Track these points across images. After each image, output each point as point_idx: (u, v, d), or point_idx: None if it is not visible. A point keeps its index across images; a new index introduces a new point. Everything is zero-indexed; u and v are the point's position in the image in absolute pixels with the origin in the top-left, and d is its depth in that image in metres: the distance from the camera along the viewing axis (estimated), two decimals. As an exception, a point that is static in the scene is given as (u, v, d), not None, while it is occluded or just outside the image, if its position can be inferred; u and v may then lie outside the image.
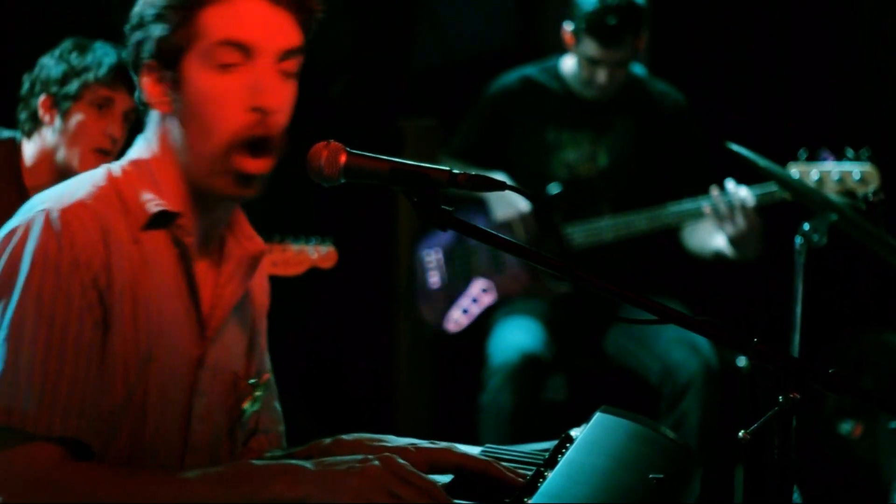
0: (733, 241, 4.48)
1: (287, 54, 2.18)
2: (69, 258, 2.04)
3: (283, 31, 2.17)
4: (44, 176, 3.66)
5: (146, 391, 2.13)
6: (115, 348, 2.09)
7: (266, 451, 2.39)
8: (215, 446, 2.26)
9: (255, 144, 2.16)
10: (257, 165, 2.17)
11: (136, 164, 2.21)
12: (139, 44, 2.18)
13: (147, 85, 2.19)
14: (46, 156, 3.69)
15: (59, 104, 3.65)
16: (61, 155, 3.66)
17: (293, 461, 2.09)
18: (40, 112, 3.68)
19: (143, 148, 2.23)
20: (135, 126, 3.72)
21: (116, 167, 2.21)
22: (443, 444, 2.27)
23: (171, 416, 2.18)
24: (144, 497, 2.00)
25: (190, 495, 2.00)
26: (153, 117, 2.23)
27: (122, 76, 3.65)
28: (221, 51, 2.14)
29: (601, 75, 4.76)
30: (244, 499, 2.00)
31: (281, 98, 2.18)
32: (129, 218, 2.14)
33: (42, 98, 3.67)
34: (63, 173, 3.55)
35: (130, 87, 3.73)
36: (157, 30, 2.15)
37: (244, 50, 2.15)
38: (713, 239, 4.68)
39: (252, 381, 2.35)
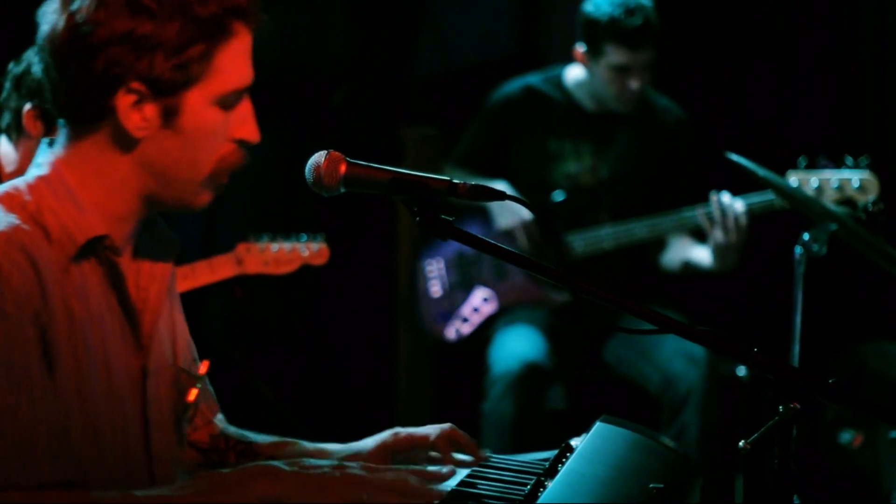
0: (717, 250, 4.51)
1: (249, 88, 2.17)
2: (11, 300, 1.96)
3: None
4: None
5: (101, 420, 2.08)
6: (60, 382, 2.02)
7: (209, 440, 2.39)
8: (171, 448, 2.23)
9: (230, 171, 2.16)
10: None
11: (47, 180, 2.09)
12: (121, 64, 2.03)
13: (124, 108, 2.05)
14: (27, 164, 3.47)
15: (44, 121, 3.40)
16: None
17: (267, 462, 2.06)
18: (24, 121, 3.43)
19: (58, 163, 2.10)
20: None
21: (23, 187, 2.09)
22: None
23: (132, 435, 2.14)
24: None
25: None
26: (102, 132, 2.08)
27: None
28: (231, 95, 2.10)
29: (633, 82, 4.73)
30: None
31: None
32: (55, 247, 2.04)
33: (28, 108, 3.43)
34: None
35: None
36: (163, 59, 2.03)
37: (245, 92, 2.14)
38: (685, 251, 4.71)
39: (192, 371, 2.32)
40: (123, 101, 2.05)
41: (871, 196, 4.15)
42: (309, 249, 4.28)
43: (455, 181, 2.12)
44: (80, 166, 2.10)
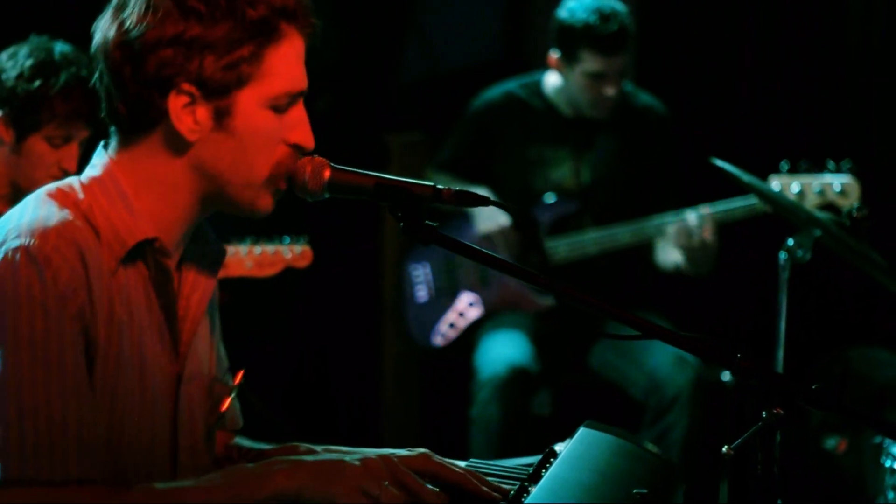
0: (689, 258, 4.57)
1: (304, 93, 2.19)
2: (54, 295, 1.98)
3: (306, 71, 2.18)
4: (2, 188, 3.47)
5: (130, 422, 2.09)
6: (97, 380, 2.04)
7: (223, 450, 2.38)
8: (199, 457, 2.24)
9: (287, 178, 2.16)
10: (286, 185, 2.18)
11: (100, 181, 2.11)
12: (171, 66, 2.06)
13: (176, 110, 2.07)
14: (3, 169, 3.46)
15: (15, 127, 3.41)
16: (17, 174, 3.45)
17: (290, 457, 2.11)
18: None
19: (112, 166, 2.13)
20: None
21: (77, 186, 2.12)
22: (420, 451, 2.24)
23: (159, 441, 2.15)
24: None
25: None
26: (154, 136, 2.11)
27: (83, 110, 3.41)
28: (284, 97, 2.12)
29: (609, 89, 4.72)
30: (244, 499, 2.00)
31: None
32: (104, 248, 2.07)
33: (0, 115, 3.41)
34: (19, 190, 3.38)
35: (89, 118, 3.48)
36: (213, 60, 2.06)
37: (299, 96, 2.16)
38: (674, 253, 4.73)
39: (227, 381, 2.33)
40: (175, 103, 2.08)
41: (854, 201, 4.17)
42: (292, 252, 4.28)
43: (439, 187, 2.12)
44: (132, 170, 2.12)
